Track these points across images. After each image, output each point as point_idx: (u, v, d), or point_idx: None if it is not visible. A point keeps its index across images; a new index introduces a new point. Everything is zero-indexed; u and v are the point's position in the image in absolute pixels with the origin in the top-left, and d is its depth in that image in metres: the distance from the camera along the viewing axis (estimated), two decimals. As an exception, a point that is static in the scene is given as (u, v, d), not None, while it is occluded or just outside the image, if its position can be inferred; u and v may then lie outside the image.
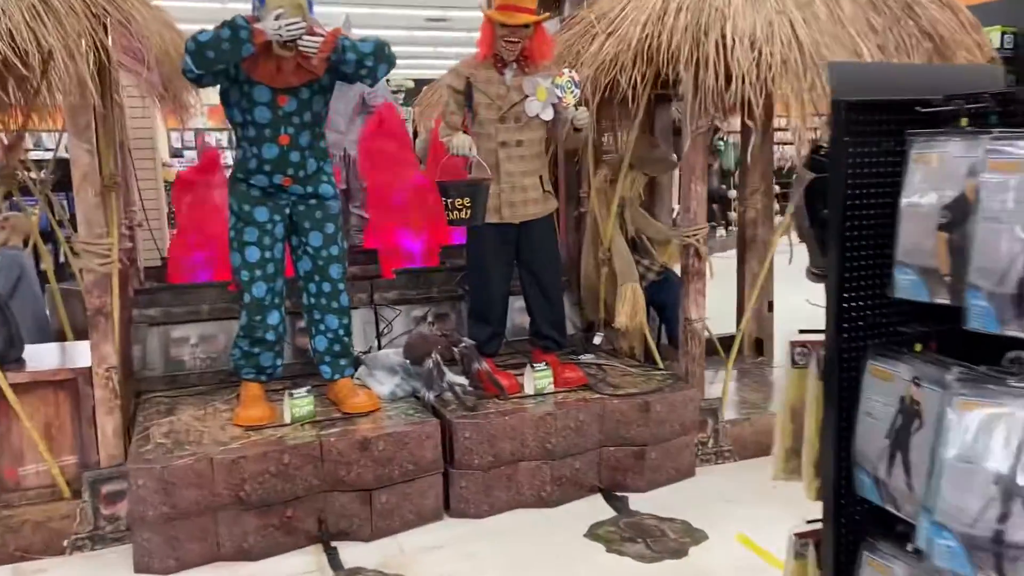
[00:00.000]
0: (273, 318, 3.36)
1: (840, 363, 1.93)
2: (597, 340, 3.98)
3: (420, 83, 9.75)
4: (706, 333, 4.17)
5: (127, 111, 4.57)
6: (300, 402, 3.27)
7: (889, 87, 1.84)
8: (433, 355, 3.46)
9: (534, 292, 3.73)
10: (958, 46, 3.35)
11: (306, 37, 3.01)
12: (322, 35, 3.06)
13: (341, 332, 3.48)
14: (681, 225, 3.59)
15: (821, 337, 2.05)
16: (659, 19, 3.24)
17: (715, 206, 11.21)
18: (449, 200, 3.21)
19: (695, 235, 3.53)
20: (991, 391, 1.58)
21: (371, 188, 4.69)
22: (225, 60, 2.97)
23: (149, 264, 4.74)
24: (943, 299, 1.84)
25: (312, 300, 3.47)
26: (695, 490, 3.47)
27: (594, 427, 3.38)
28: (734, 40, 3.10)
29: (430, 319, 4.18)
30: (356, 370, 3.61)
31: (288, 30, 2.97)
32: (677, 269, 4.53)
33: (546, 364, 3.55)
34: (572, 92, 3.33)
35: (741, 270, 4.84)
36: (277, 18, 2.98)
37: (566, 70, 3.35)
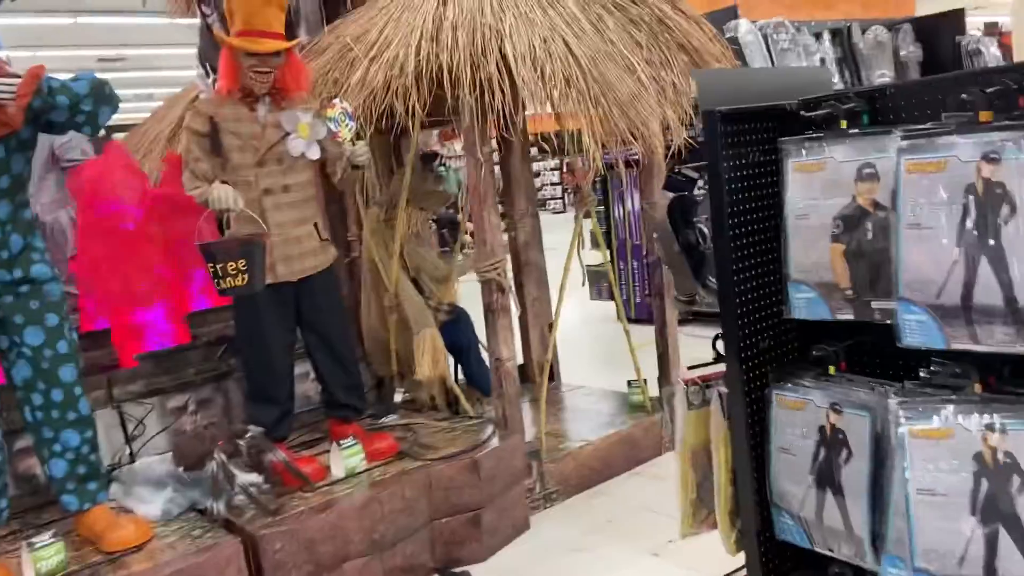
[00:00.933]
0: (-16, 450, 2.53)
1: (746, 397, 1.75)
2: (390, 419, 3.57)
3: (112, 129, 8.56)
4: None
5: None
6: (46, 552, 2.48)
7: (747, 94, 1.70)
8: (215, 455, 2.83)
9: (322, 356, 3.23)
10: (710, 56, 3.44)
11: None
12: (16, 76, 2.34)
13: (85, 449, 2.72)
14: (476, 259, 3.30)
15: (714, 371, 1.87)
16: (433, 39, 2.93)
17: (444, 231, 11.19)
18: (218, 265, 2.61)
19: (495, 268, 3.26)
20: (939, 411, 1.45)
21: (85, 256, 3.83)
22: None
23: None
24: (846, 315, 1.70)
25: (39, 415, 2.67)
26: (536, 544, 3.19)
27: (423, 501, 2.96)
28: (515, 59, 2.88)
29: (191, 408, 3.48)
30: (109, 492, 2.85)
31: None
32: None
33: (353, 438, 3.07)
34: (347, 125, 2.91)
35: (520, 295, 4.68)
36: None
37: (337, 100, 2.92)
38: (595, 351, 5.99)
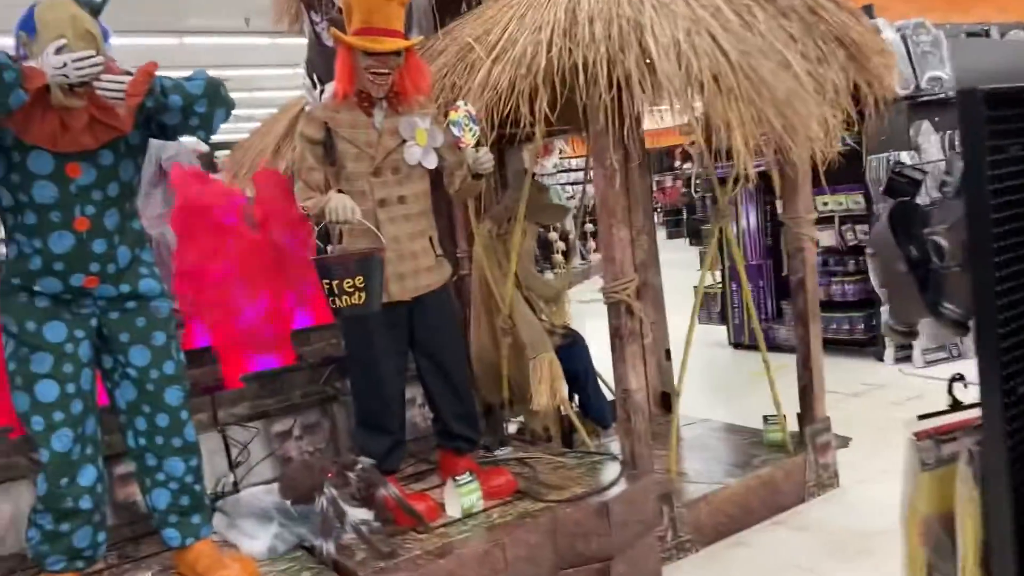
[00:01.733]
0: (86, 477, 2.35)
1: (1010, 455, 1.36)
2: (504, 453, 3.27)
3: (216, 147, 8.62)
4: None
5: None
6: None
7: (1014, 72, 1.33)
8: (326, 489, 2.59)
9: (436, 381, 2.97)
10: (871, 51, 3.06)
11: (105, 77, 2.12)
12: (127, 73, 2.17)
13: (190, 479, 2.52)
14: (605, 278, 2.99)
15: (958, 419, 1.49)
16: (565, 33, 2.66)
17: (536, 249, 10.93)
18: (334, 282, 2.38)
19: (624, 289, 2.94)
20: None
21: (189, 270, 3.71)
22: None
23: None
24: None
25: (142, 441, 2.49)
26: (671, 600, 2.84)
27: (547, 549, 2.65)
28: (658, 53, 2.57)
29: (297, 432, 3.28)
30: (212, 525, 2.65)
31: (79, 68, 2.06)
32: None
33: (469, 474, 2.79)
34: (471, 130, 2.65)
35: (637, 319, 4.33)
36: (59, 51, 2.06)
37: (461, 103, 2.67)
38: (708, 380, 5.58)
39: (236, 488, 3.01)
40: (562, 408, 3.38)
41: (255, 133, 5.16)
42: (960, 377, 1.49)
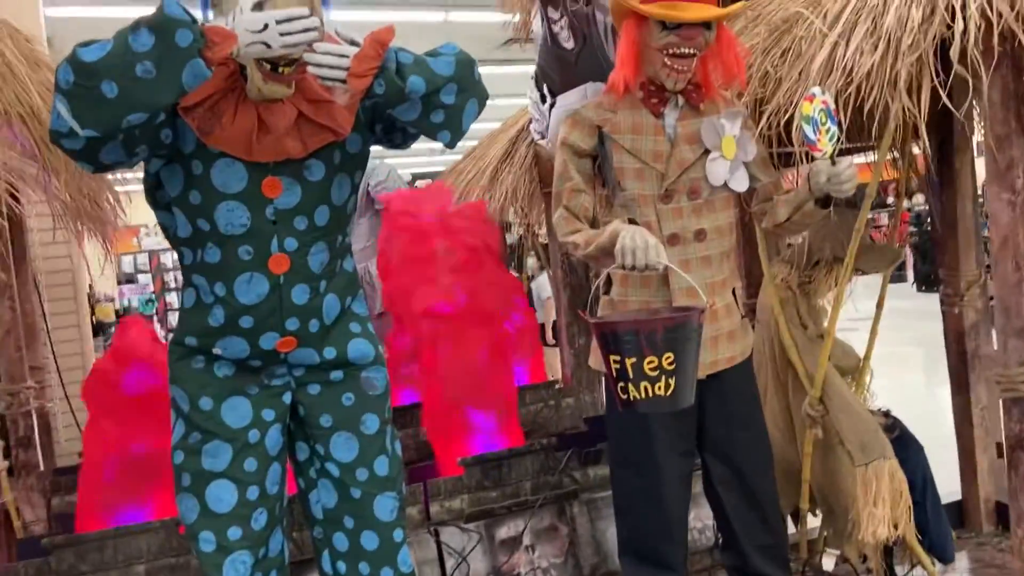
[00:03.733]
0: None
1: None
2: None
3: (417, 176, 8.18)
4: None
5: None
6: None
7: None
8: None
9: (733, 495, 2.08)
10: None
11: (321, 47, 1.43)
12: (354, 44, 1.47)
13: (400, 622, 1.78)
14: (1007, 361, 1.97)
15: None
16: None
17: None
18: (631, 361, 1.55)
19: (1040, 378, 1.92)
20: None
21: (400, 314, 3.06)
22: (145, 104, 1.37)
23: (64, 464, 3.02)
24: None
25: (343, 567, 1.77)
26: None
27: None
28: None
29: (527, 540, 2.48)
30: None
31: (287, 33, 1.39)
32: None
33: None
34: (829, 131, 1.77)
35: (960, 402, 3.21)
36: (259, 6, 1.40)
37: (817, 91, 1.78)
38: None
39: (453, 620, 2.26)
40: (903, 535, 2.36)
41: (469, 156, 4.54)
42: None
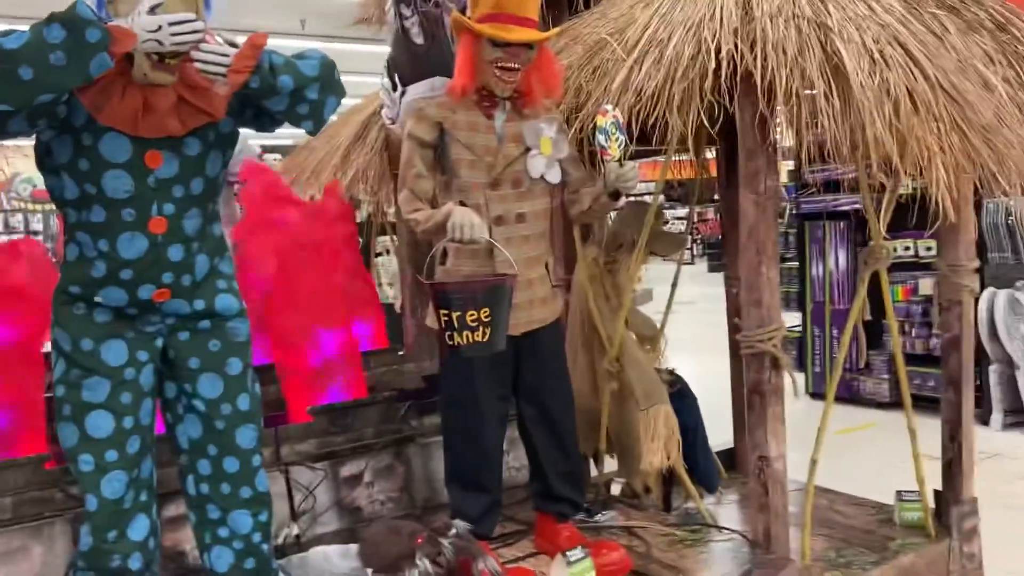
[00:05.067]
0: (138, 531, 1.95)
1: None
2: (606, 518, 2.82)
3: (268, 149, 8.28)
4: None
5: None
6: None
7: None
8: (418, 560, 2.15)
9: (541, 434, 2.54)
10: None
11: (206, 47, 1.72)
12: (233, 45, 1.77)
13: (257, 537, 2.10)
14: (746, 324, 2.54)
15: None
16: (736, 34, 2.23)
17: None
18: (455, 314, 1.95)
19: (770, 338, 2.49)
20: None
21: (255, 284, 3.30)
22: (54, 87, 1.61)
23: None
24: None
25: (205, 489, 2.07)
26: None
27: (679, 649, 2.19)
28: (850, 62, 2.15)
29: (367, 478, 2.84)
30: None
31: (177, 34, 1.67)
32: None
33: (583, 550, 2.33)
34: (618, 140, 2.23)
35: (735, 366, 3.85)
36: (153, 10, 1.67)
37: (609, 107, 2.25)
38: (790, 437, 5.08)
39: (299, 543, 2.58)
40: (673, 469, 2.92)
41: (320, 136, 4.78)
42: None
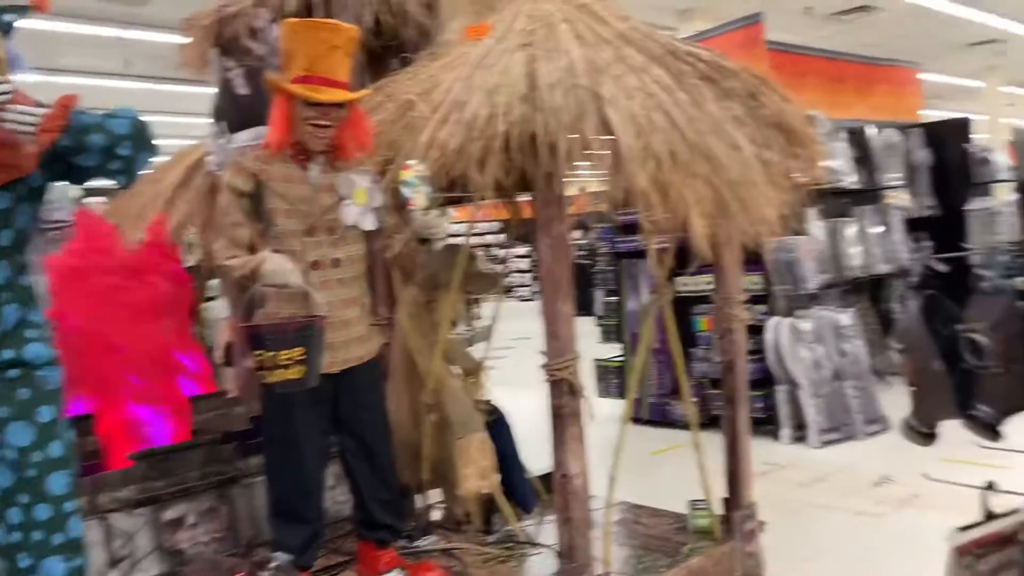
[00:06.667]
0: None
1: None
2: (427, 542, 3.01)
3: (90, 192, 7.93)
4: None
5: None
6: None
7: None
8: (237, 593, 2.24)
9: (360, 464, 2.70)
10: (807, 138, 3.13)
11: (14, 108, 1.80)
12: (42, 106, 1.86)
13: (71, 584, 2.12)
14: (548, 354, 2.83)
15: (993, 530, 1.40)
16: (524, 100, 2.54)
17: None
18: (268, 354, 2.10)
19: (567, 367, 2.79)
20: None
21: (72, 331, 3.26)
22: None
23: None
24: None
25: (16, 537, 2.08)
26: None
27: (489, 655, 2.40)
28: (620, 125, 2.50)
29: (191, 520, 2.88)
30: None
31: None
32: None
33: (400, 571, 2.50)
34: (422, 191, 2.47)
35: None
36: None
37: (413, 162, 2.48)
38: (609, 457, 5.48)
39: (118, 589, 2.59)
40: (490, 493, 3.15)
41: (144, 180, 4.73)
42: (991, 486, 1.41)
